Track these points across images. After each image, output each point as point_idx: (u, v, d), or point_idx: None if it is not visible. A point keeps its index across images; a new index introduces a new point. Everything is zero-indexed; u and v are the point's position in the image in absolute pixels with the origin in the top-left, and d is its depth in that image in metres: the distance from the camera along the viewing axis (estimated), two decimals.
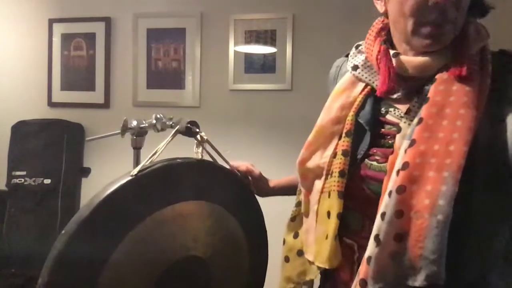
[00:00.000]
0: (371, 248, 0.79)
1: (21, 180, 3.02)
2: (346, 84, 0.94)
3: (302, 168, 0.98)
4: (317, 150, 0.95)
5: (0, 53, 3.37)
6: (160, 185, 1.04)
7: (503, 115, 0.78)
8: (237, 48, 2.97)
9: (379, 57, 0.86)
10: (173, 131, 1.15)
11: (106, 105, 3.21)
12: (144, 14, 3.13)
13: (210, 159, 1.21)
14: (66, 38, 3.26)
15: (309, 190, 0.97)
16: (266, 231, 1.33)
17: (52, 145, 3.05)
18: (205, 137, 1.19)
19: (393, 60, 0.86)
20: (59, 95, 3.28)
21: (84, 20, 3.22)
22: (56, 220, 2.96)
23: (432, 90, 0.81)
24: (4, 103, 3.33)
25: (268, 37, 2.93)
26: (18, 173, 3.04)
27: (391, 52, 0.87)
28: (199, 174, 1.14)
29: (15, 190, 3.04)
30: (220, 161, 1.25)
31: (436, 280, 0.73)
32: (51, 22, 3.26)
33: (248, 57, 2.98)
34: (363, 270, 0.80)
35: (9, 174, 3.07)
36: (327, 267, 0.89)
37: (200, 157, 1.20)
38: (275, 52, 2.91)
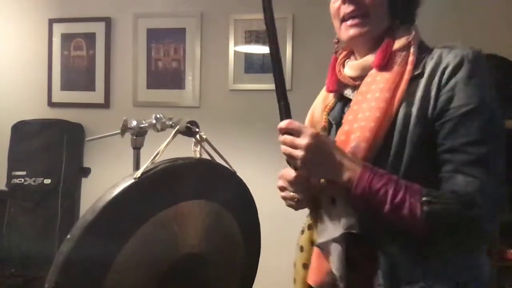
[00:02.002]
0: (319, 216, 1.00)
1: (21, 180, 3.02)
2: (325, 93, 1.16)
3: None
4: None
5: (0, 53, 3.37)
6: (163, 186, 1.04)
7: (415, 99, 0.93)
8: (237, 48, 2.97)
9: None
10: (173, 131, 1.15)
11: (106, 105, 3.21)
12: (144, 14, 3.13)
13: (208, 158, 1.22)
14: (66, 38, 3.26)
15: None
16: (260, 227, 1.34)
17: (52, 145, 3.05)
18: (204, 137, 1.20)
19: (346, 66, 1.07)
20: (59, 95, 3.29)
21: (84, 20, 3.22)
22: (56, 220, 2.96)
23: (363, 82, 0.99)
24: (4, 103, 3.33)
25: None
26: (18, 173, 3.04)
27: (347, 61, 1.09)
28: (199, 174, 1.14)
29: (15, 190, 3.04)
30: (219, 160, 1.25)
31: (350, 228, 0.92)
32: (51, 22, 3.26)
33: (248, 57, 2.98)
34: (316, 232, 1.02)
35: (9, 174, 3.07)
36: None
37: (198, 155, 1.20)
38: None
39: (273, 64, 0.99)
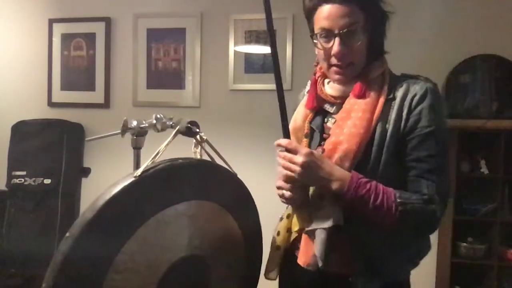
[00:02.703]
0: (308, 208, 1.19)
1: (21, 180, 3.02)
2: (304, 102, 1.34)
3: None
4: None
5: (0, 53, 3.37)
6: (162, 185, 1.04)
7: (389, 118, 1.16)
8: (237, 48, 2.96)
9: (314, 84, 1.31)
10: (174, 131, 1.15)
11: (106, 105, 3.21)
12: (144, 14, 3.13)
13: (209, 159, 1.22)
14: (66, 38, 3.26)
15: None
16: (261, 228, 1.34)
17: (52, 145, 3.05)
18: (204, 137, 1.20)
19: (327, 85, 1.27)
20: (59, 95, 3.29)
21: (84, 20, 3.22)
22: (56, 220, 2.96)
23: (346, 102, 1.20)
24: (4, 103, 3.34)
25: (268, 37, 2.93)
26: (18, 173, 3.04)
27: (327, 80, 1.27)
28: (200, 174, 1.14)
29: (15, 190, 3.04)
30: (219, 161, 1.25)
31: (338, 222, 1.13)
32: (51, 22, 3.26)
33: (248, 57, 2.98)
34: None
35: (9, 174, 3.07)
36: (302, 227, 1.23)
37: (198, 156, 1.20)
38: None
39: (278, 96, 1.18)
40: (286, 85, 2.90)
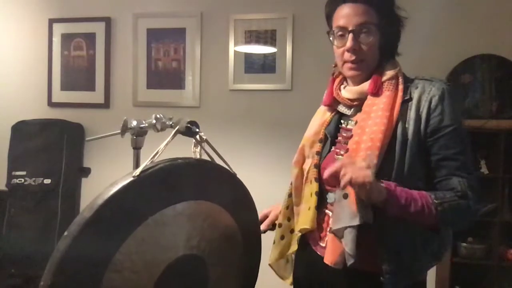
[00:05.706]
0: (333, 207, 1.23)
1: (21, 180, 3.02)
2: (323, 109, 1.39)
3: (297, 168, 1.36)
4: (307, 156, 1.34)
5: (0, 53, 3.37)
6: (162, 185, 1.04)
7: (407, 118, 1.20)
8: (237, 48, 2.96)
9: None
10: (173, 131, 1.15)
11: (106, 105, 3.21)
12: (144, 14, 3.13)
13: (208, 159, 1.22)
14: (66, 38, 3.26)
15: (298, 186, 1.36)
16: (259, 227, 1.34)
17: (52, 145, 3.06)
18: (204, 137, 1.20)
19: (343, 90, 1.32)
20: (59, 95, 3.29)
21: (84, 20, 3.22)
22: (56, 220, 2.96)
23: (364, 104, 1.25)
24: (4, 103, 3.33)
25: (268, 37, 2.93)
26: (18, 173, 3.04)
27: (343, 85, 1.33)
28: (199, 174, 1.14)
29: (15, 190, 3.04)
30: (218, 160, 1.25)
31: (367, 220, 1.14)
32: (51, 22, 3.26)
33: (248, 57, 2.98)
34: (331, 221, 1.25)
35: (9, 174, 3.07)
36: (309, 227, 1.28)
37: (198, 156, 1.20)
38: (275, 52, 2.91)
39: None
40: (286, 85, 2.90)
